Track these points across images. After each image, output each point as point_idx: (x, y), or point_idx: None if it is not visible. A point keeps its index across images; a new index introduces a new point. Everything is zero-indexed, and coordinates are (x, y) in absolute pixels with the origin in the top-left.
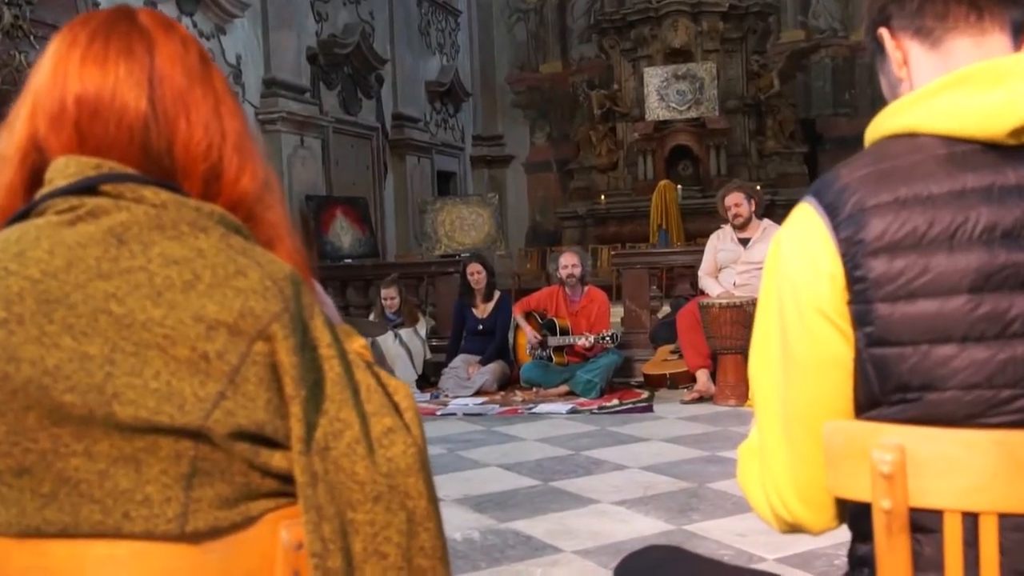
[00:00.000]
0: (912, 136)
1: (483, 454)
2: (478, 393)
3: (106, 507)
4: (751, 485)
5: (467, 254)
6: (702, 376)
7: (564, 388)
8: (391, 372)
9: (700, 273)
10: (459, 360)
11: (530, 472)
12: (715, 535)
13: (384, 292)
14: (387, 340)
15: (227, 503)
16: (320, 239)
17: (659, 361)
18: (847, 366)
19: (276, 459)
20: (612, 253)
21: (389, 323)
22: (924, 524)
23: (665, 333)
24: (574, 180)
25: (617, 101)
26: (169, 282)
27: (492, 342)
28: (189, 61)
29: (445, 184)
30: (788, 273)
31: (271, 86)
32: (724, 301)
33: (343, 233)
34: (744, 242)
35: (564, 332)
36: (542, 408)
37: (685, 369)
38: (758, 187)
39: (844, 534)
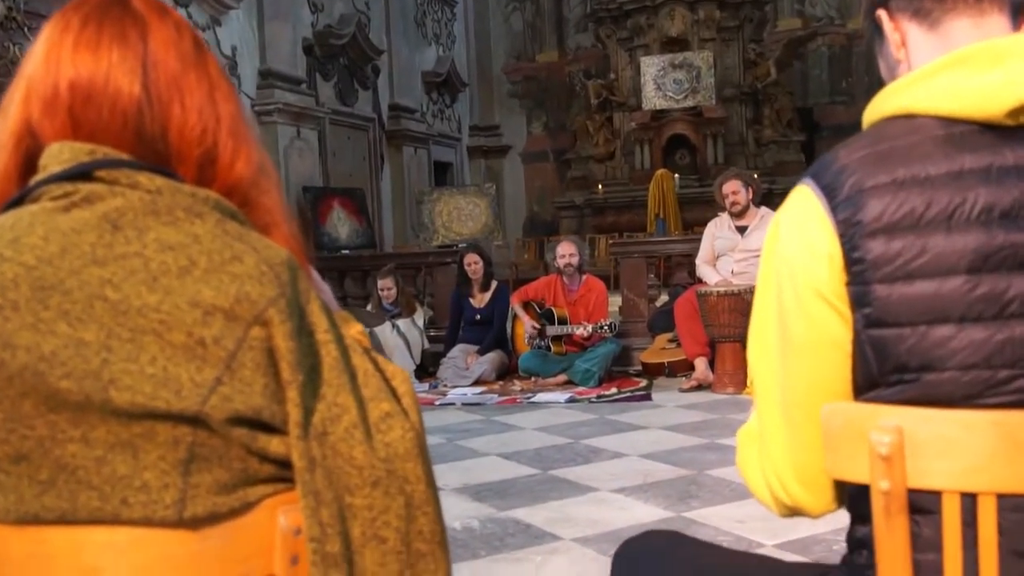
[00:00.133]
0: (910, 117)
1: (482, 443)
2: (477, 383)
3: (104, 493)
4: (750, 469)
5: (464, 244)
6: (700, 364)
7: (562, 377)
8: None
9: (698, 261)
10: (457, 350)
11: (529, 461)
12: (714, 522)
13: (381, 283)
14: (385, 330)
15: (225, 489)
16: (317, 230)
17: (657, 350)
18: (845, 348)
19: (274, 444)
20: (610, 242)
21: (387, 313)
22: (923, 505)
23: (663, 322)
24: (571, 170)
25: (614, 90)
26: (165, 268)
27: (490, 332)
28: (183, 46)
29: (442, 174)
30: (786, 255)
31: (267, 77)
32: (722, 289)
33: (340, 224)
34: (742, 230)
35: (562, 321)
36: (541, 397)
37: (683, 357)
38: (755, 175)
39: (843, 519)
